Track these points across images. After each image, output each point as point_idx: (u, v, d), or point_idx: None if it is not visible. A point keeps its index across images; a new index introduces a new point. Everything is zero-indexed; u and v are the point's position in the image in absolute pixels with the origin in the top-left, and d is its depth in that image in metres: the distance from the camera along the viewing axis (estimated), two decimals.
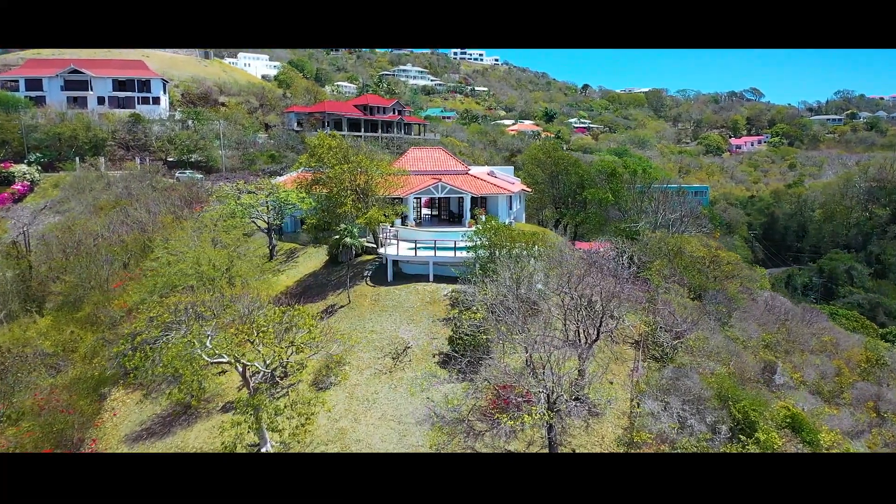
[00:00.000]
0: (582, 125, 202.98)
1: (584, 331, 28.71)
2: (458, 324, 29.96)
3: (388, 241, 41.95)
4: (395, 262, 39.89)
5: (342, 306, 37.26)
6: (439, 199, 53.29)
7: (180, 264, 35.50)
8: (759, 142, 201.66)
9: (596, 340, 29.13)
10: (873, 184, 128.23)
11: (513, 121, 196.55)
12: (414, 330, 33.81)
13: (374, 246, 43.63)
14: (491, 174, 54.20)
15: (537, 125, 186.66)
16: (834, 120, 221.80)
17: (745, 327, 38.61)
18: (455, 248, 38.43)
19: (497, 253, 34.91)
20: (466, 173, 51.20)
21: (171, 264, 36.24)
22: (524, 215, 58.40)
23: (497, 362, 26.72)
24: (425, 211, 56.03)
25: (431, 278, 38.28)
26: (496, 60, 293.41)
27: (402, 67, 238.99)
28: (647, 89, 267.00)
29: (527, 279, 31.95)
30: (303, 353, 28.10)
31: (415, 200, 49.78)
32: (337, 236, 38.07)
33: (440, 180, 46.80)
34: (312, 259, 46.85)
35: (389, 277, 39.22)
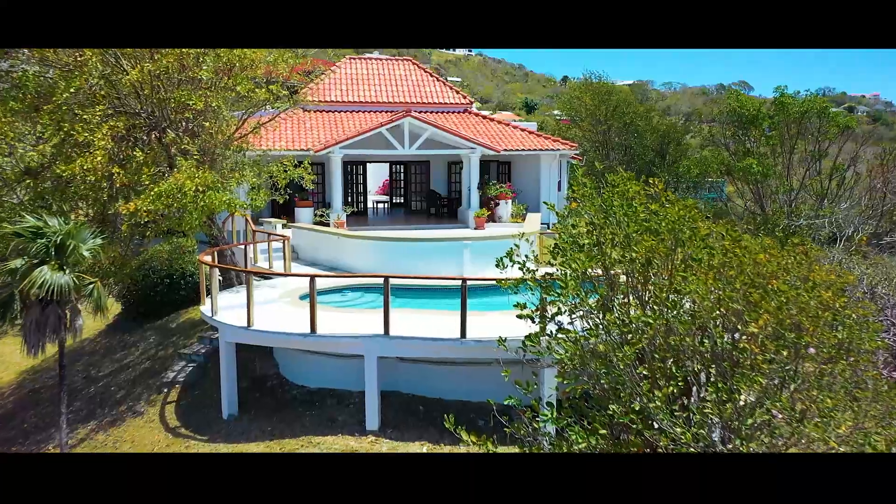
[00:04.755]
0: (567, 117, 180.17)
1: None
2: None
3: (250, 276, 14.24)
4: (278, 358, 12.10)
5: None
6: (405, 163, 25.70)
7: None
8: None
9: None
10: None
11: (490, 111, 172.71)
12: None
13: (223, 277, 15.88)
14: (510, 125, 27.05)
15: (517, 115, 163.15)
16: None
17: None
18: (463, 292, 10.84)
19: (660, 340, 7.07)
20: (467, 111, 24.05)
21: None
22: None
23: None
24: (379, 198, 28.51)
25: (376, 423, 10.68)
26: (469, 51, 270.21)
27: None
28: (630, 82, 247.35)
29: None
30: None
31: (348, 167, 22.54)
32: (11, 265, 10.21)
33: (408, 115, 19.46)
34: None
35: (226, 411, 11.53)
